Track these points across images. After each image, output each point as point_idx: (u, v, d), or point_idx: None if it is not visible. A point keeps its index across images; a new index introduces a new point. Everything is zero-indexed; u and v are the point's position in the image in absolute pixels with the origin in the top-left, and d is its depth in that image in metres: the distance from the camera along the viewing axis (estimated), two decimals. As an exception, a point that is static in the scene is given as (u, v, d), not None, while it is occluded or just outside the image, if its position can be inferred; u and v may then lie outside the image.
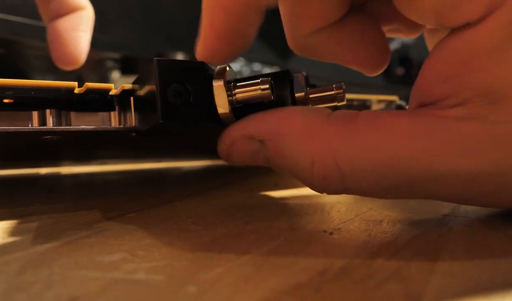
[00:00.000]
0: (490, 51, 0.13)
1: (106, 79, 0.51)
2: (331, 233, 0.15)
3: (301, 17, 0.17)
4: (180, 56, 0.45)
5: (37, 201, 0.21)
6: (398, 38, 0.43)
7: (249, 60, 0.88)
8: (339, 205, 0.19)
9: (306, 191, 0.22)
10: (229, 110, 0.16)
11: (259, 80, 0.16)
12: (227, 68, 0.16)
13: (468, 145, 0.13)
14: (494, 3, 0.12)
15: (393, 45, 0.46)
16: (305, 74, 0.17)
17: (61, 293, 0.10)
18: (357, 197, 0.21)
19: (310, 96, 0.17)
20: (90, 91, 0.17)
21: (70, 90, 0.17)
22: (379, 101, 0.24)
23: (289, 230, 0.15)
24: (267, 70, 0.84)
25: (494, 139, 0.13)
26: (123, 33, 0.48)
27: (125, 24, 0.48)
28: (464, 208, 0.18)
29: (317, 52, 0.18)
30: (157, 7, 0.51)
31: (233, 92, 0.16)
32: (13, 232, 0.15)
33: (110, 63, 0.50)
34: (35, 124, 0.17)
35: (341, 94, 0.17)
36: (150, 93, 0.15)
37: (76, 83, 0.17)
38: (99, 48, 0.46)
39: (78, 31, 0.26)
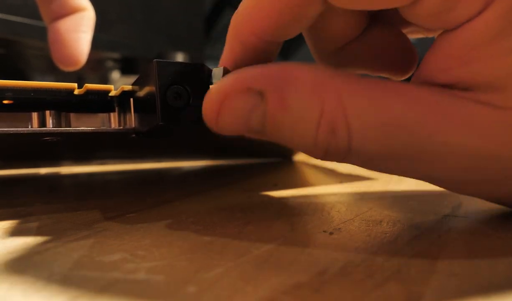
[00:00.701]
0: (489, 41, 0.13)
1: (106, 79, 0.51)
2: (331, 233, 0.15)
3: (323, 39, 0.17)
4: (180, 56, 0.45)
5: (37, 201, 0.21)
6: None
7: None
8: (339, 205, 0.19)
9: (306, 191, 0.22)
10: None
11: None
12: (224, 70, 0.16)
13: (476, 124, 0.13)
14: None
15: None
16: None
17: (61, 293, 0.10)
18: (357, 197, 0.21)
19: None
20: (89, 92, 0.17)
21: (70, 91, 0.17)
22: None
23: (289, 230, 0.15)
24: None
25: (503, 124, 0.13)
26: (123, 33, 0.48)
27: (125, 24, 0.48)
28: (464, 208, 0.18)
29: (345, 66, 0.18)
30: (157, 7, 0.51)
31: None
32: (13, 232, 0.15)
33: (110, 63, 0.50)
34: (34, 125, 0.17)
35: None
36: (149, 95, 0.15)
37: (75, 85, 0.17)
38: (99, 48, 0.46)
39: (79, 32, 0.26)
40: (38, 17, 0.32)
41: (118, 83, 0.48)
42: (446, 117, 0.13)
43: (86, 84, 0.17)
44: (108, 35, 0.47)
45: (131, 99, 0.17)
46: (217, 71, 0.16)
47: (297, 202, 0.21)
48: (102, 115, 0.18)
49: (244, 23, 0.15)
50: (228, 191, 0.24)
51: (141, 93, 0.16)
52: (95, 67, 0.51)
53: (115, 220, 0.17)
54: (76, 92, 0.17)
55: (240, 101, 0.14)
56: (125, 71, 0.52)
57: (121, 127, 0.18)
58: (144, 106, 0.17)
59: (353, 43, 0.17)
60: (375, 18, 0.18)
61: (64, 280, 0.11)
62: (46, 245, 0.14)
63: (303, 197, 0.22)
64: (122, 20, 0.48)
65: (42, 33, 0.39)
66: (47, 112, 0.17)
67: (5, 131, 0.16)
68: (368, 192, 0.23)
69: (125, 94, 0.17)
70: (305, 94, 0.13)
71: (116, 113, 0.18)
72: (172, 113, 0.15)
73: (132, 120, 0.17)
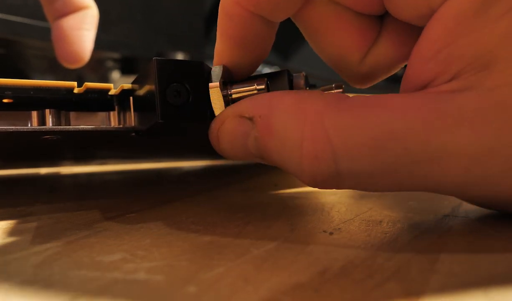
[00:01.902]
0: (473, 13, 0.13)
1: (106, 79, 0.51)
2: (331, 233, 0.15)
3: (348, 55, 0.17)
4: (180, 56, 0.45)
5: (37, 201, 0.21)
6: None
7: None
8: (339, 205, 0.19)
9: (306, 191, 0.22)
10: None
11: (255, 81, 0.16)
12: (223, 68, 0.16)
13: (467, 117, 0.13)
14: None
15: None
16: (304, 74, 0.17)
17: (61, 293, 0.10)
18: (357, 197, 0.21)
19: None
20: (89, 91, 0.17)
21: (70, 90, 0.17)
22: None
23: (289, 230, 0.15)
24: (267, 70, 0.84)
25: (493, 108, 0.13)
26: (123, 33, 0.48)
27: (125, 24, 0.48)
28: (464, 208, 0.18)
29: (378, 73, 0.18)
30: (157, 7, 0.51)
31: (229, 92, 0.16)
32: (13, 232, 0.15)
33: (110, 63, 0.50)
34: (34, 124, 0.17)
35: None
36: (149, 93, 0.15)
37: (75, 83, 0.17)
38: (99, 48, 0.46)
39: (82, 29, 0.26)
40: (38, 17, 0.32)
41: (118, 83, 0.48)
42: (436, 119, 0.13)
43: (86, 83, 0.17)
44: (108, 35, 0.47)
45: (131, 98, 0.17)
46: (216, 69, 0.16)
47: (297, 202, 0.21)
48: (101, 114, 0.18)
49: None
50: (228, 191, 0.24)
51: (141, 91, 0.16)
52: (95, 67, 0.51)
53: (115, 220, 0.17)
54: (75, 90, 0.17)
55: (233, 126, 0.15)
56: (125, 71, 0.52)
57: (121, 126, 0.18)
58: (143, 104, 0.17)
59: (376, 47, 0.17)
60: (386, 21, 0.17)
61: (64, 280, 0.11)
62: (46, 245, 0.14)
63: (303, 197, 0.22)
64: (122, 20, 0.48)
65: (42, 33, 0.39)
66: (47, 111, 0.17)
67: (4, 130, 0.16)
68: (368, 191, 0.23)
69: (125, 93, 0.17)
70: (287, 118, 0.14)
71: (116, 112, 0.18)
72: (171, 111, 0.15)
73: (132, 119, 0.17)
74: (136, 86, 0.17)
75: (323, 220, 0.17)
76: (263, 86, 0.16)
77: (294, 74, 0.17)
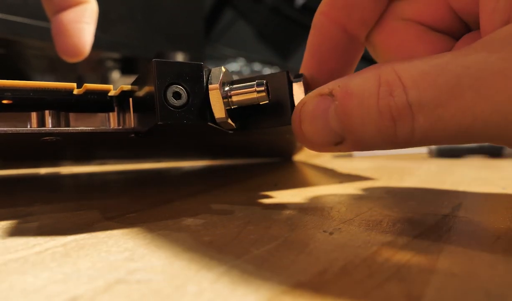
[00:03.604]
0: None
1: (106, 79, 0.51)
2: (331, 233, 0.15)
3: None
4: (180, 56, 0.45)
5: (37, 201, 0.21)
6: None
7: (249, 60, 0.88)
8: (339, 205, 0.19)
9: (306, 191, 0.22)
10: (225, 115, 0.16)
11: (254, 83, 0.16)
12: (223, 70, 0.16)
13: None
14: None
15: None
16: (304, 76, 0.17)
17: (61, 293, 0.10)
18: (357, 197, 0.21)
19: None
20: (89, 92, 0.17)
21: (69, 91, 0.17)
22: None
23: (289, 230, 0.15)
24: (267, 70, 0.84)
25: None
26: (123, 33, 0.48)
27: (125, 24, 0.48)
28: (464, 208, 0.18)
29: None
30: (157, 7, 0.51)
31: (229, 94, 0.16)
32: (13, 232, 0.15)
33: (110, 63, 0.50)
34: (34, 125, 0.17)
35: None
36: (148, 95, 0.15)
37: (75, 85, 0.17)
38: (99, 48, 0.46)
39: (82, 23, 0.26)
40: (38, 17, 0.32)
41: (118, 83, 0.48)
42: (498, 40, 0.13)
43: (85, 84, 0.17)
44: (108, 35, 0.47)
45: (130, 99, 0.17)
46: (216, 71, 0.16)
47: (297, 202, 0.21)
48: (101, 115, 0.18)
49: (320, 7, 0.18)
50: (228, 191, 0.24)
51: (140, 93, 0.16)
52: (95, 67, 0.51)
53: (115, 220, 0.17)
54: (75, 92, 0.17)
55: (314, 105, 0.15)
56: (125, 71, 0.52)
57: (120, 127, 0.18)
58: (143, 106, 0.17)
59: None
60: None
61: (64, 280, 0.11)
62: (46, 245, 0.14)
63: (303, 197, 0.22)
64: (122, 20, 0.48)
65: (42, 33, 0.39)
66: (46, 112, 0.17)
67: (4, 131, 0.16)
68: (368, 192, 0.23)
69: (124, 94, 0.17)
70: (363, 77, 0.15)
71: (116, 113, 0.18)
72: (171, 113, 0.15)
73: (131, 120, 0.17)
74: (135, 87, 0.17)
75: (323, 220, 0.17)
76: (262, 88, 0.16)
77: (293, 79, 0.17)
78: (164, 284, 0.10)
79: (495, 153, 0.42)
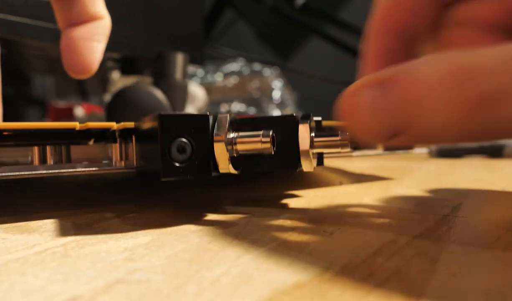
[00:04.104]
0: None
1: (106, 79, 0.50)
2: (331, 233, 0.15)
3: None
4: (180, 56, 0.45)
5: (37, 200, 0.21)
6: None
7: (249, 60, 0.88)
8: (339, 205, 0.19)
9: (307, 191, 0.22)
10: (229, 166, 0.16)
11: (260, 133, 0.16)
12: (229, 117, 0.16)
13: None
14: None
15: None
16: (314, 119, 0.17)
17: (61, 293, 0.10)
18: (357, 197, 0.21)
19: (315, 144, 0.16)
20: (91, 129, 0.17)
21: (71, 130, 0.17)
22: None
23: (289, 230, 0.15)
24: (267, 70, 0.83)
25: None
26: (123, 33, 0.48)
27: (125, 24, 0.48)
28: (464, 208, 0.18)
29: None
30: (157, 7, 0.51)
31: (234, 141, 0.16)
32: (13, 232, 0.15)
33: (110, 63, 0.50)
34: (35, 159, 0.17)
35: (346, 141, 0.16)
36: (152, 144, 0.15)
37: (77, 124, 0.17)
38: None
39: (93, 41, 0.26)
40: (38, 17, 0.31)
41: (118, 83, 0.48)
42: None
43: (88, 123, 0.17)
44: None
45: (133, 136, 0.17)
46: (222, 119, 0.16)
47: (297, 202, 0.21)
48: (103, 146, 0.18)
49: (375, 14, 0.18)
50: (228, 191, 0.24)
51: (144, 135, 0.16)
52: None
53: (115, 220, 0.17)
54: (77, 128, 0.17)
55: (366, 95, 0.14)
56: (125, 71, 0.52)
57: (123, 164, 0.18)
58: (146, 150, 0.17)
59: None
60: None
61: (64, 280, 0.11)
62: (46, 245, 0.14)
63: (303, 197, 0.22)
64: (122, 20, 0.48)
65: (42, 33, 0.39)
66: (48, 148, 0.17)
67: (5, 177, 0.16)
68: (368, 192, 0.23)
69: (127, 131, 0.17)
70: (430, 62, 0.13)
71: (118, 144, 0.18)
72: (174, 169, 0.15)
73: (134, 158, 0.17)
74: (139, 125, 0.17)
75: (323, 220, 0.17)
76: (268, 139, 0.15)
77: (300, 119, 0.16)
78: (164, 284, 0.10)
79: (495, 153, 0.42)
